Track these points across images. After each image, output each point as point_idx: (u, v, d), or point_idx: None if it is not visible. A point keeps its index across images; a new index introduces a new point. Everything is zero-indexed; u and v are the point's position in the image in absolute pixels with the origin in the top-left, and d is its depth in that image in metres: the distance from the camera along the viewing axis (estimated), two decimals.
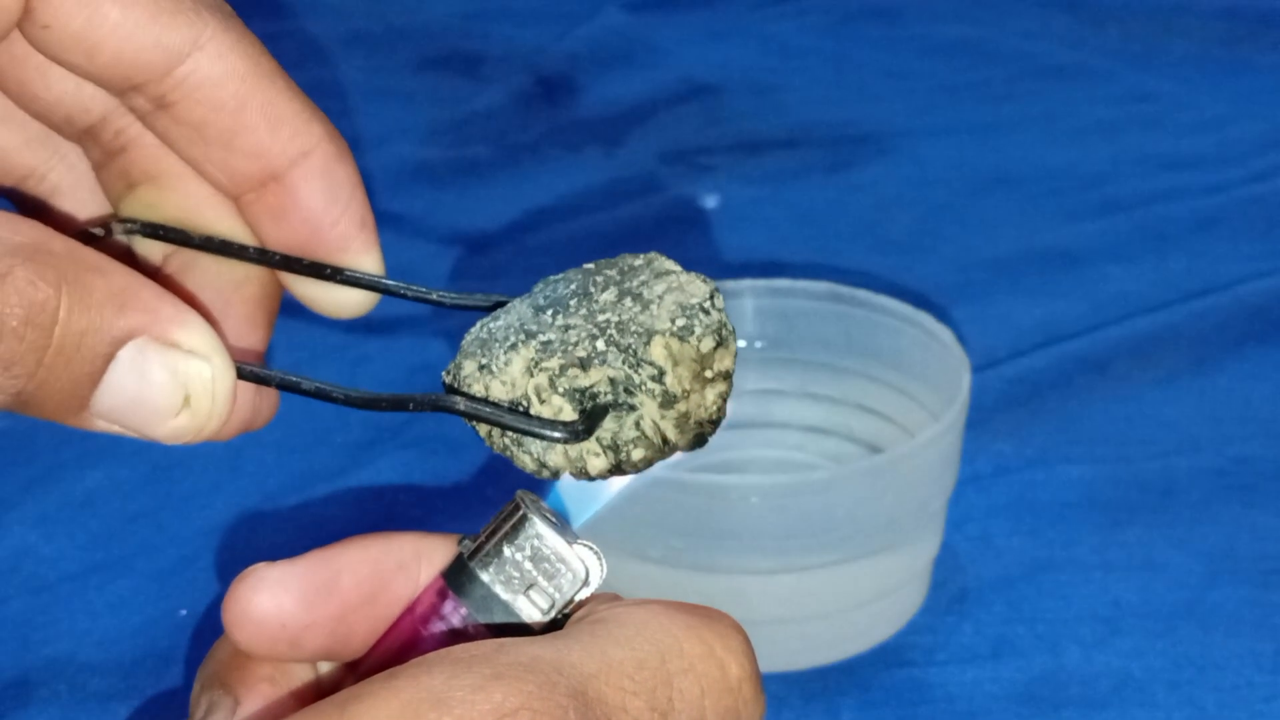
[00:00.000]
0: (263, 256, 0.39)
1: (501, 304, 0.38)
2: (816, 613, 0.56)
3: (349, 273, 0.39)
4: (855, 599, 0.57)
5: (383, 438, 0.70)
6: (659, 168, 0.96)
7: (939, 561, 0.60)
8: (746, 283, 0.64)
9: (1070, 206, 0.89)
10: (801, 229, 0.88)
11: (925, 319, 0.61)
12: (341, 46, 1.15)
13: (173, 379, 0.34)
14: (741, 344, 0.65)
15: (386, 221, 1.00)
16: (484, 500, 0.66)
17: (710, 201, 0.91)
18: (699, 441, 0.37)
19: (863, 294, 0.63)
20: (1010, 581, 0.60)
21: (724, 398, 0.37)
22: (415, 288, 0.39)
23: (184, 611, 0.60)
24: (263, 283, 0.40)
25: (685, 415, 0.36)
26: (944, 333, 0.60)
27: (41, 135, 0.39)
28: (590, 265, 0.37)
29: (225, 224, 0.39)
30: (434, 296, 0.39)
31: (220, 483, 0.68)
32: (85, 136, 0.39)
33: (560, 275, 0.37)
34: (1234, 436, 0.68)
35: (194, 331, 0.34)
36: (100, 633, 0.60)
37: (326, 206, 0.38)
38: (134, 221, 0.39)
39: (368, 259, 0.39)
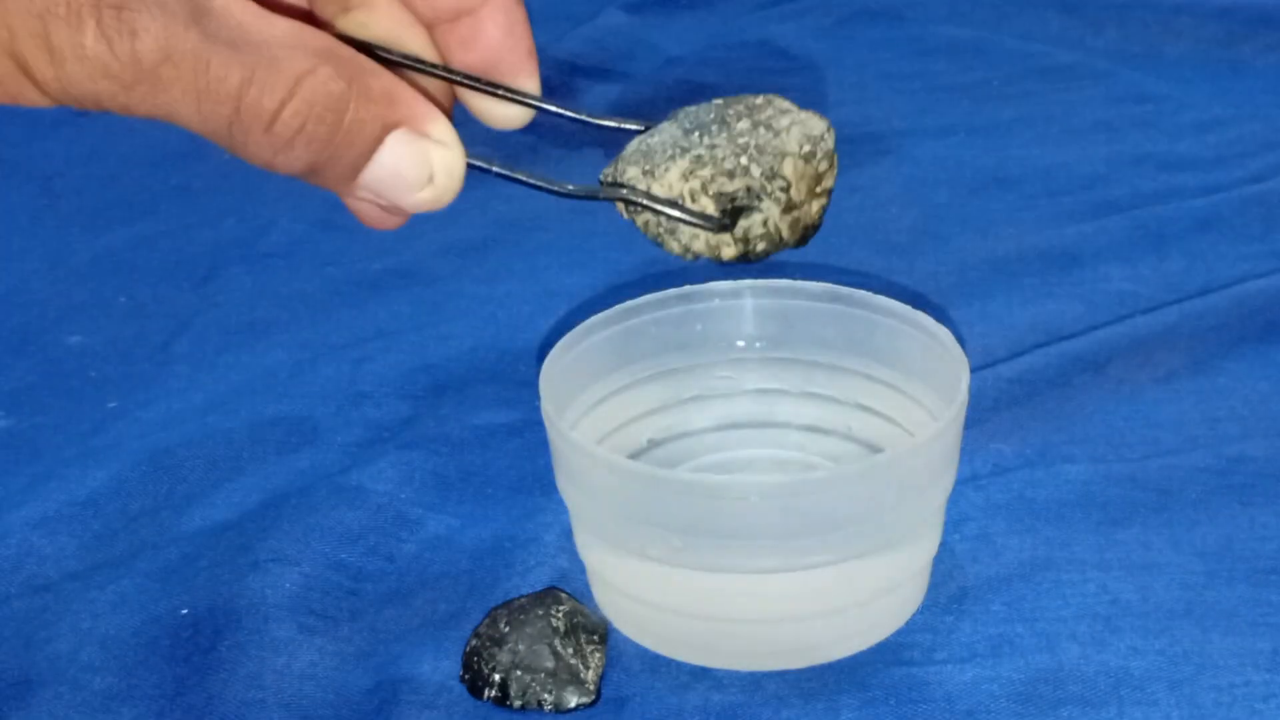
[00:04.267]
0: (449, 74, 0.47)
1: (648, 127, 0.50)
2: (816, 612, 0.57)
3: (517, 92, 0.48)
4: (855, 599, 0.57)
5: (382, 438, 0.70)
6: None
7: (938, 561, 0.60)
8: (746, 283, 0.64)
9: (1069, 207, 0.89)
10: None
11: (924, 319, 0.61)
12: None
13: (424, 161, 0.44)
14: (740, 344, 0.65)
15: None
16: (484, 500, 0.66)
17: None
18: (803, 241, 0.49)
19: (862, 294, 0.63)
20: (1009, 580, 0.60)
21: (824, 209, 0.49)
22: (568, 109, 0.49)
23: (185, 611, 0.60)
24: (442, 97, 0.48)
25: (798, 220, 0.48)
26: (943, 333, 0.60)
27: None
28: (719, 101, 0.50)
29: (418, 46, 0.47)
30: (583, 116, 0.50)
31: (221, 483, 0.68)
32: None
33: (695, 108, 0.50)
34: (1232, 436, 0.68)
35: (440, 125, 0.44)
36: (102, 632, 0.60)
37: (505, 38, 0.47)
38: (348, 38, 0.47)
39: (531, 83, 0.48)
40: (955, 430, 0.57)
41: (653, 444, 0.65)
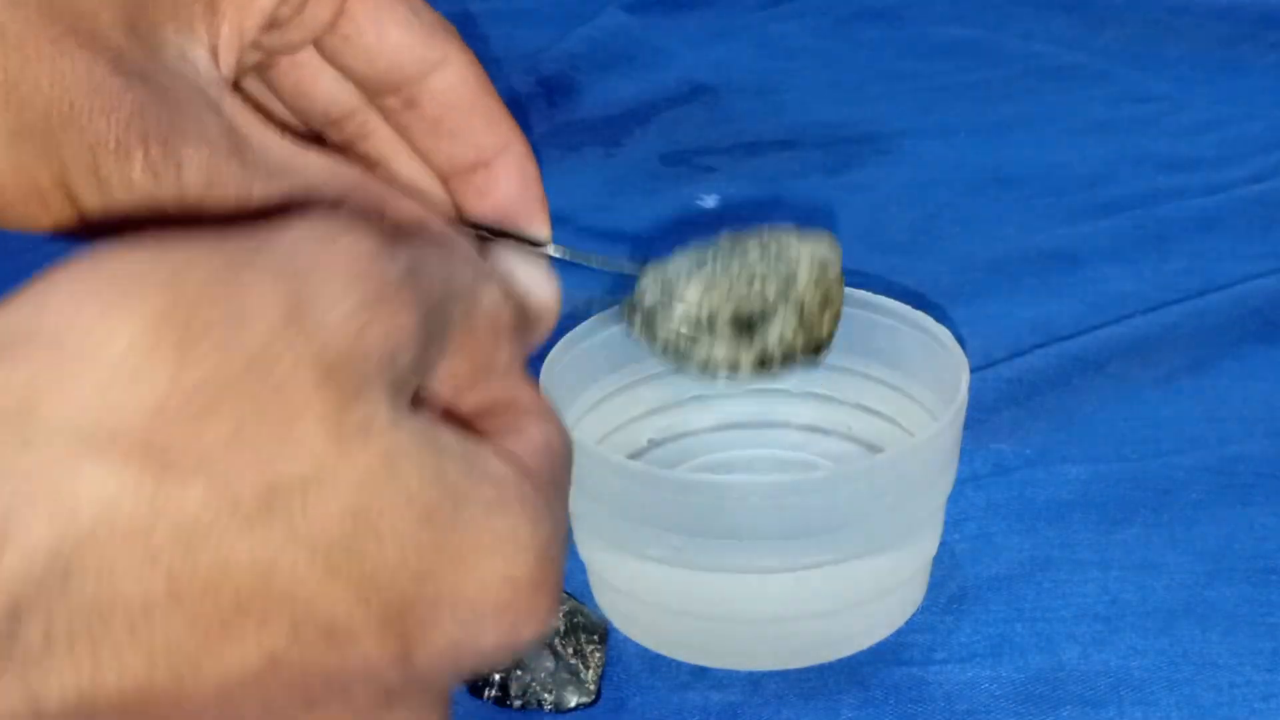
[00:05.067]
0: (467, 225, 0.49)
1: (643, 269, 0.52)
2: (816, 612, 0.57)
3: (530, 240, 0.49)
4: (855, 598, 0.57)
5: None
6: (659, 168, 0.96)
7: (938, 561, 0.60)
8: None
9: (1069, 207, 0.89)
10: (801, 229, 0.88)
11: (924, 319, 0.61)
12: None
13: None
14: None
15: None
16: None
17: (710, 201, 0.91)
18: (817, 355, 0.52)
19: (861, 294, 0.63)
20: (1009, 580, 0.60)
21: (835, 325, 0.52)
22: (581, 253, 0.51)
23: None
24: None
25: (811, 335, 0.51)
26: (943, 332, 0.60)
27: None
28: (727, 234, 0.52)
29: (437, 197, 0.49)
30: (593, 261, 0.52)
31: None
32: (331, 126, 0.48)
33: (704, 242, 0.52)
34: (1232, 436, 0.68)
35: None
36: None
37: (519, 190, 0.48)
38: None
39: (543, 230, 0.49)
40: (955, 430, 0.57)
41: (653, 444, 0.65)
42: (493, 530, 0.32)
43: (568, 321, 0.74)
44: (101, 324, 0.28)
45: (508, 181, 0.48)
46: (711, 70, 1.09)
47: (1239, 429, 0.69)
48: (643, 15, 1.17)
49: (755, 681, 0.56)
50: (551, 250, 0.49)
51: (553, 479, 0.36)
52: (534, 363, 0.75)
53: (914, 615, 0.59)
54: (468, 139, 0.47)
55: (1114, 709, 0.54)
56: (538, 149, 1.10)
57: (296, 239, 0.31)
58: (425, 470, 0.31)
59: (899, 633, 0.58)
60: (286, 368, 0.29)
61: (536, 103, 1.05)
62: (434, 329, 0.33)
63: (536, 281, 0.48)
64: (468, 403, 0.37)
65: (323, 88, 0.47)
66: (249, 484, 0.28)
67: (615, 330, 0.63)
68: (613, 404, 0.63)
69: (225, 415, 0.28)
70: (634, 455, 0.64)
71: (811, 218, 0.89)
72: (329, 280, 0.30)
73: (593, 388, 0.62)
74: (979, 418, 0.68)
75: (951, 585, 0.60)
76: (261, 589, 0.29)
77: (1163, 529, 0.62)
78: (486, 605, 0.32)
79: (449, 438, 0.32)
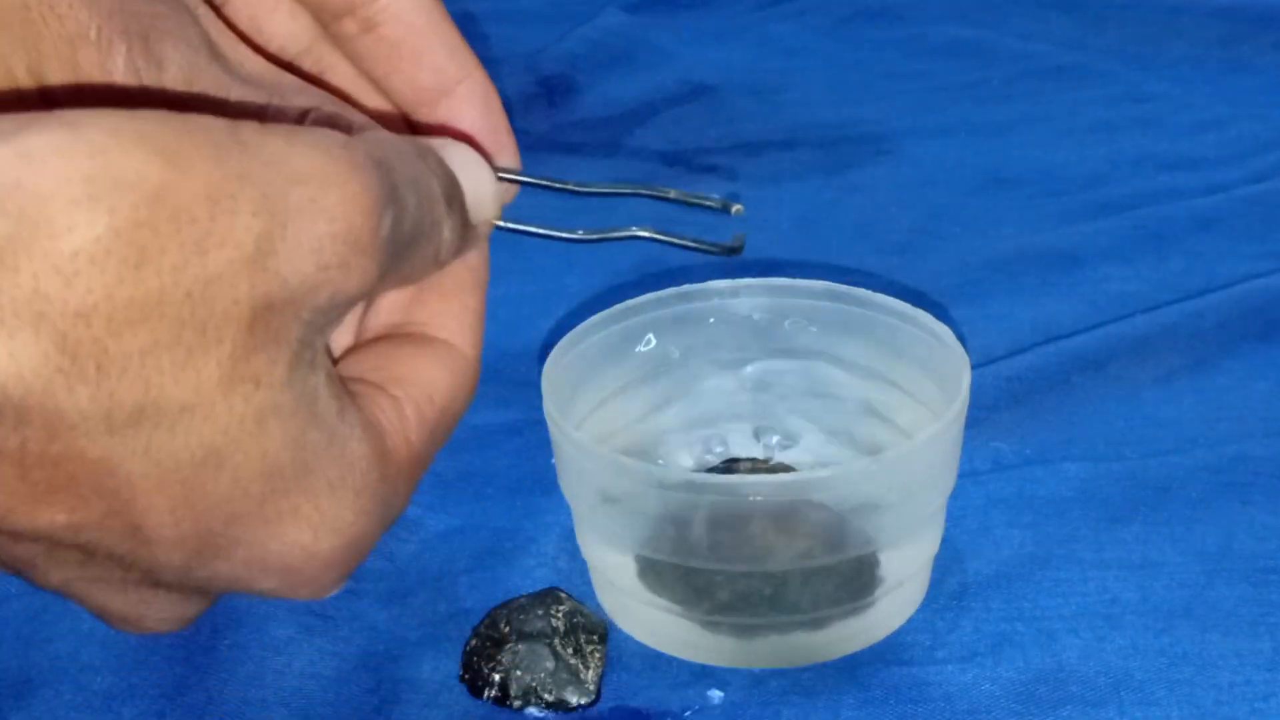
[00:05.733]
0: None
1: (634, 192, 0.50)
2: (817, 612, 0.57)
3: (501, 169, 0.48)
4: (856, 598, 0.57)
5: None
6: (659, 168, 0.96)
7: (938, 560, 0.60)
8: (745, 281, 0.64)
9: (1069, 207, 0.89)
10: (801, 229, 0.88)
11: (924, 317, 0.61)
12: None
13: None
14: (740, 343, 0.65)
15: None
16: (484, 500, 0.66)
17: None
18: None
19: (861, 292, 0.63)
20: (1009, 579, 0.60)
21: None
22: (551, 180, 0.49)
23: None
24: None
25: None
26: (943, 331, 0.60)
27: None
28: None
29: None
30: (571, 186, 0.49)
31: None
32: (288, 66, 0.47)
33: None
34: (1232, 435, 0.68)
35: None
36: (103, 632, 0.60)
37: (483, 118, 0.47)
38: None
39: (512, 159, 0.48)
40: (956, 429, 0.57)
41: (653, 440, 0.65)
42: (319, 509, 0.36)
43: (568, 321, 0.74)
44: (70, 214, 0.30)
45: (471, 110, 0.47)
46: (711, 70, 1.09)
47: (1238, 428, 0.69)
48: (643, 15, 1.17)
49: (755, 681, 0.56)
50: (525, 179, 0.48)
51: (411, 459, 0.40)
52: (535, 363, 0.75)
53: (914, 614, 0.59)
54: (429, 63, 0.47)
55: (1114, 708, 0.54)
56: (538, 149, 1.11)
57: (309, 155, 0.33)
58: (288, 435, 0.34)
59: (899, 632, 0.58)
60: (224, 305, 0.32)
61: (536, 103, 1.05)
62: (393, 270, 0.36)
63: (481, 191, 0.47)
64: (389, 320, 0.42)
65: (279, 21, 0.47)
66: (131, 398, 0.32)
67: (615, 330, 0.63)
68: (614, 403, 0.63)
69: (142, 334, 0.31)
70: (634, 454, 0.64)
71: (811, 218, 0.90)
72: (317, 224, 0.33)
73: (594, 387, 0.62)
74: (979, 416, 0.68)
75: (951, 584, 0.60)
76: (91, 479, 0.32)
77: (1162, 528, 0.63)
78: (277, 565, 0.36)
79: (327, 404, 0.35)
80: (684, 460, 0.65)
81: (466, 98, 0.47)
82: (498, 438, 0.70)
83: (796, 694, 0.56)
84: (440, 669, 0.57)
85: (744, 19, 1.18)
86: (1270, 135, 0.96)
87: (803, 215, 0.90)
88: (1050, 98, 1.04)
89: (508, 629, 0.56)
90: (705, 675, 0.57)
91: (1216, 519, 0.63)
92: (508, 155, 0.48)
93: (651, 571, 0.56)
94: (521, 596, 0.58)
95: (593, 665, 0.56)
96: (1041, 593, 0.59)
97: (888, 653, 0.57)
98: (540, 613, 0.57)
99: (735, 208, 0.49)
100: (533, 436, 0.68)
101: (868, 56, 1.12)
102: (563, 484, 0.59)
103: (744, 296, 0.64)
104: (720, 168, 0.96)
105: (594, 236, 0.49)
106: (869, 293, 0.63)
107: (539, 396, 0.58)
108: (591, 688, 0.56)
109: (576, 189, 0.49)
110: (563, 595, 0.58)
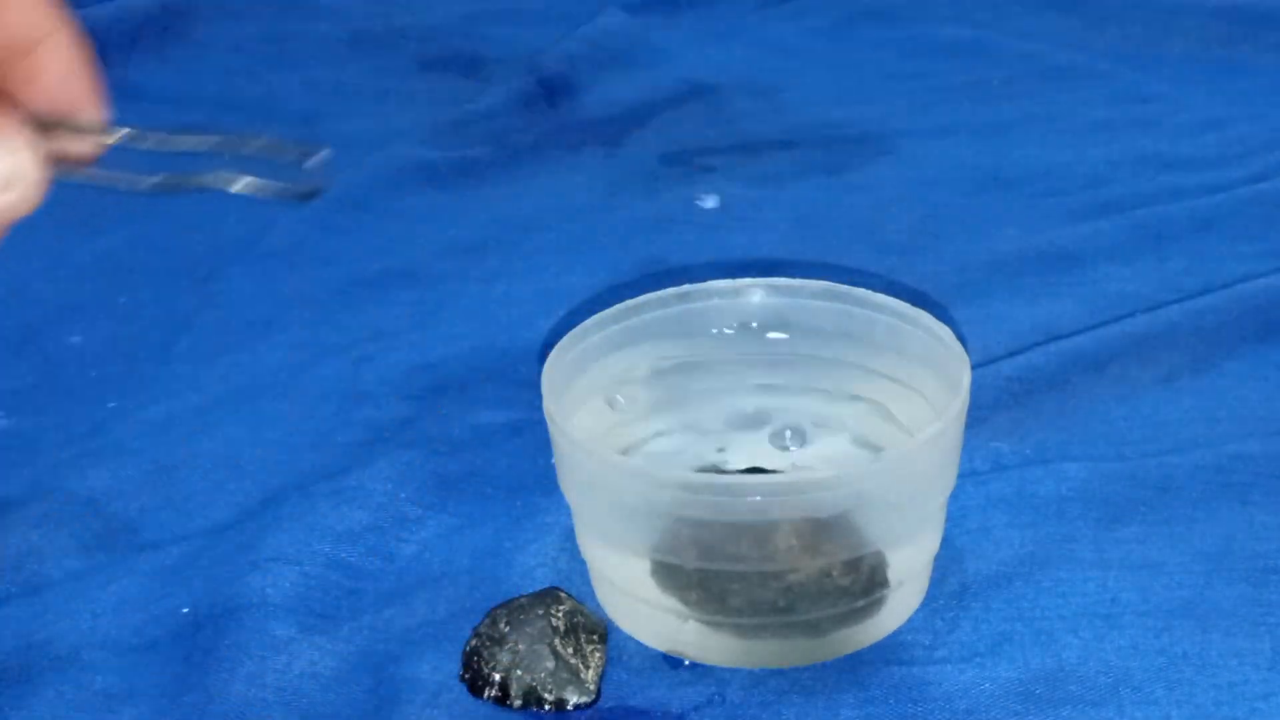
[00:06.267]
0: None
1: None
2: (818, 611, 0.57)
3: (80, 126, 0.46)
4: (856, 598, 0.57)
5: (383, 438, 0.70)
6: (659, 168, 0.96)
7: (938, 559, 0.60)
8: (745, 281, 0.64)
9: (1069, 206, 0.89)
10: (801, 229, 0.88)
11: (925, 317, 0.61)
12: (344, 47, 1.16)
13: None
14: (740, 342, 0.65)
15: (387, 221, 1.00)
16: (484, 500, 0.66)
17: (710, 201, 0.91)
18: None
19: (861, 292, 0.63)
20: (1009, 579, 0.60)
21: None
22: (135, 130, 0.47)
23: (186, 610, 0.61)
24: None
25: None
26: (944, 330, 0.60)
27: None
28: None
29: None
30: (150, 142, 0.47)
31: (222, 482, 0.68)
32: None
33: None
34: (1231, 435, 0.68)
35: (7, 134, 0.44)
36: (103, 631, 0.60)
37: (67, 74, 0.46)
38: None
39: (95, 114, 0.47)
40: (957, 429, 0.57)
41: (653, 439, 0.65)
42: None
43: (568, 321, 0.74)
44: None
45: (56, 66, 0.46)
46: (711, 70, 1.09)
47: (1238, 428, 0.69)
48: (643, 15, 1.17)
49: (755, 681, 0.56)
50: (114, 136, 0.47)
51: None
52: (535, 363, 0.75)
53: (914, 613, 0.59)
54: (15, 17, 0.45)
55: (1113, 708, 0.54)
56: (538, 149, 1.11)
57: None
58: None
59: (899, 632, 0.58)
60: None
61: (536, 103, 1.05)
62: None
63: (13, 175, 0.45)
64: None
65: None
66: None
67: (615, 330, 0.63)
68: (613, 402, 0.63)
69: None
70: (634, 454, 0.64)
71: (811, 218, 0.90)
72: None
73: (594, 387, 0.62)
74: (979, 416, 0.68)
75: (951, 584, 0.60)
76: None
77: (1162, 528, 0.63)
78: None
79: None
80: (684, 460, 0.65)
81: (50, 55, 0.46)
82: (498, 438, 0.70)
83: (796, 694, 0.56)
84: (440, 669, 0.57)
85: (744, 19, 1.18)
86: (1270, 135, 0.96)
87: (803, 215, 0.90)
88: (1050, 98, 1.04)
89: (508, 629, 0.56)
90: (705, 675, 0.57)
91: (1216, 519, 0.63)
92: (92, 110, 0.47)
93: (665, 572, 0.56)
94: (521, 596, 0.58)
95: (593, 665, 0.56)
96: (1041, 592, 0.59)
97: (888, 653, 0.57)
98: (540, 612, 0.57)
99: (316, 156, 0.48)
100: (533, 436, 0.69)
101: (867, 56, 1.12)
102: (563, 484, 0.59)
103: (744, 296, 0.64)
104: (720, 168, 0.96)
105: (165, 187, 0.48)
106: (869, 293, 0.63)
107: (539, 396, 0.58)
108: (591, 688, 0.56)
109: (158, 147, 0.47)
110: (563, 595, 0.58)
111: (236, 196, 0.90)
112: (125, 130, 0.47)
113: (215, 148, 0.48)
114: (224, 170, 0.48)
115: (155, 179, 0.47)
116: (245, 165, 0.49)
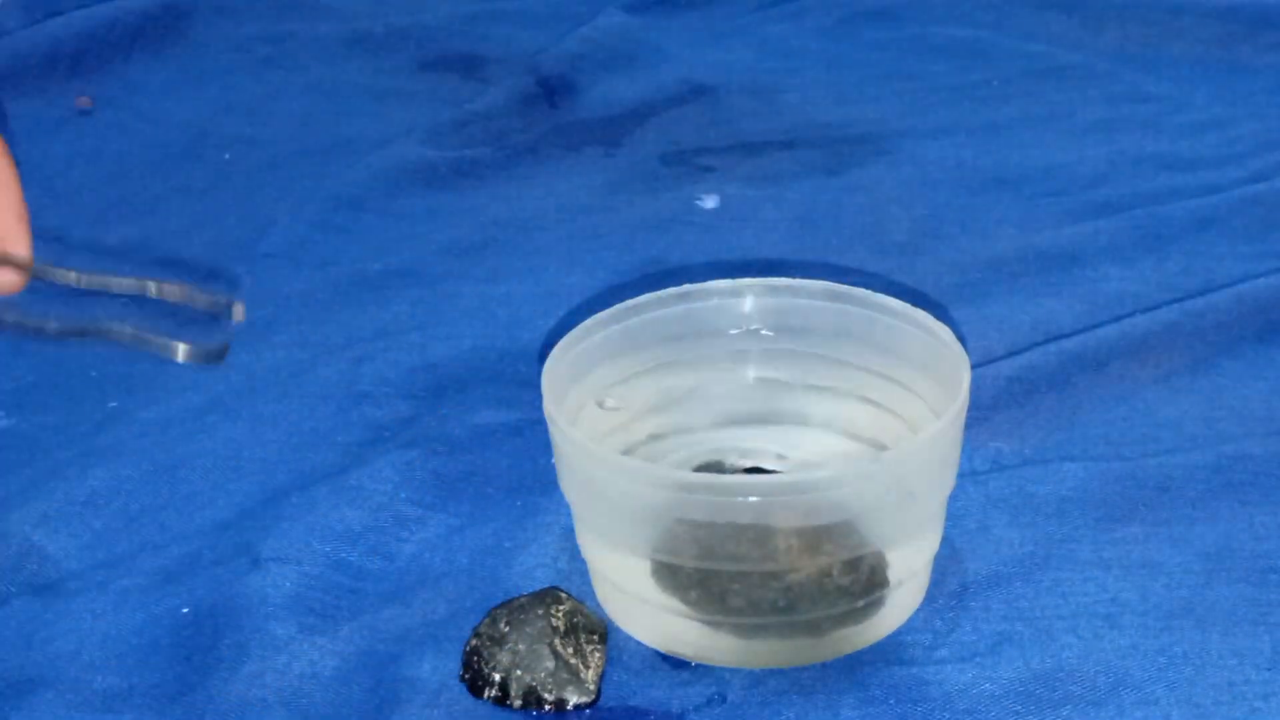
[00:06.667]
0: None
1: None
2: (818, 611, 0.57)
3: (7, 259, 0.46)
4: (856, 597, 0.57)
5: (383, 438, 0.70)
6: (659, 168, 0.96)
7: (938, 559, 0.60)
8: (745, 281, 0.64)
9: (1068, 207, 0.89)
10: (801, 229, 0.88)
11: (924, 316, 0.61)
12: (343, 47, 1.15)
13: None
14: (740, 342, 0.65)
15: (387, 220, 1.00)
16: (484, 500, 0.66)
17: (710, 201, 0.91)
18: None
19: (861, 292, 0.63)
20: (1008, 579, 0.60)
21: None
22: (61, 271, 0.47)
23: (186, 610, 0.60)
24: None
25: None
26: (943, 330, 0.60)
27: None
28: None
29: None
30: (73, 278, 0.47)
31: (222, 482, 0.68)
32: None
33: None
34: (1231, 435, 0.68)
35: None
36: (103, 630, 0.60)
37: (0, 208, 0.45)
38: None
39: (21, 248, 0.47)
40: (957, 428, 0.57)
41: (653, 439, 0.65)
42: None
43: (568, 321, 0.74)
44: None
45: None
46: (711, 70, 1.09)
47: (1237, 428, 0.69)
48: (643, 15, 1.17)
49: (755, 681, 0.56)
50: (39, 271, 0.47)
51: None
52: (535, 363, 0.75)
53: (914, 613, 0.59)
54: None
55: (1113, 708, 0.54)
56: (538, 149, 1.11)
57: None
58: None
59: (899, 632, 0.58)
60: None
61: (536, 103, 1.05)
62: None
63: None
64: None
65: None
66: None
67: (615, 330, 0.63)
68: (614, 402, 0.63)
69: None
70: (634, 453, 0.64)
71: (811, 218, 0.90)
72: None
73: (594, 386, 0.62)
74: (978, 416, 0.68)
75: (951, 584, 0.60)
76: None
77: (1162, 528, 0.63)
78: None
79: None
80: (684, 460, 0.65)
81: None
82: (498, 438, 0.70)
83: (796, 694, 0.56)
84: (440, 669, 0.57)
85: (744, 19, 1.18)
86: (1270, 135, 0.96)
87: (803, 215, 0.90)
88: (1050, 98, 1.03)
89: (508, 629, 0.56)
90: (705, 675, 0.57)
91: (1216, 519, 0.63)
92: (19, 244, 0.48)
93: (665, 572, 0.56)
94: (521, 596, 0.58)
95: (593, 665, 0.56)
96: (1041, 592, 0.59)
97: (888, 652, 0.57)
98: (540, 612, 0.57)
99: (233, 310, 0.48)
100: (533, 436, 0.68)
101: (867, 56, 1.12)
102: (563, 484, 0.59)
103: (745, 296, 0.64)
104: (720, 168, 0.96)
105: (71, 333, 0.48)
106: (869, 293, 0.63)
107: (539, 396, 0.58)
108: (591, 687, 0.56)
109: (78, 284, 0.48)
110: (563, 595, 0.58)
111: (236, 195, 0.90)
112: (50, 266, 0.47)
113: (133, 291, 0.48)
114: (131, 323, 0.47)
115: (61, 325, 0.47)
116: (160, 311, 0.49)
